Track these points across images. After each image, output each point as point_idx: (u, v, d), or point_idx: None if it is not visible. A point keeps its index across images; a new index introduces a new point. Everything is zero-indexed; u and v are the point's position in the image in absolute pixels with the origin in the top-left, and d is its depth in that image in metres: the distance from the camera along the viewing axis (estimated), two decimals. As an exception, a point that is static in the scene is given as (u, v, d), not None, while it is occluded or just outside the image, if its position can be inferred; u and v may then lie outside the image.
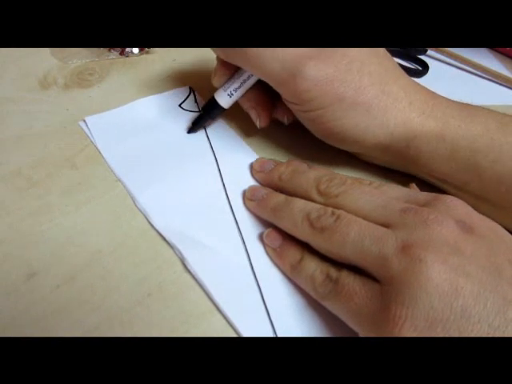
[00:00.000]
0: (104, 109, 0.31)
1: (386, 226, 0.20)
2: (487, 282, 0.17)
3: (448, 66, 0.42)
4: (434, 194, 0.22)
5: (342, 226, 0.20)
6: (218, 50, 0.26)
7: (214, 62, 0.28)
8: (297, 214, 0.23)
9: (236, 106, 0.29)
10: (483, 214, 0.21)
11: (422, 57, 0.41)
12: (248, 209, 0.26)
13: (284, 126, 0.30)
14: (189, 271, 0.23)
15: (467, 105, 0.26)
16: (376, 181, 0.24)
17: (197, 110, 0.32)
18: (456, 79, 0.40)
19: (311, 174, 0.25)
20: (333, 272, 0.21)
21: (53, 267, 0.23)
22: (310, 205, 0.23)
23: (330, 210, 0.22)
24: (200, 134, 0.30)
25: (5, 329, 0.20)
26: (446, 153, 0.25)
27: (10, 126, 0.30)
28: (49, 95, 0.32)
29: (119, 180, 0.27)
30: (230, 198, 0.26)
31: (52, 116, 0.31)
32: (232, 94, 0.28)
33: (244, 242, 0.24)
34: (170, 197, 0.26)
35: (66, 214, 0.25)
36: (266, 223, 0.25)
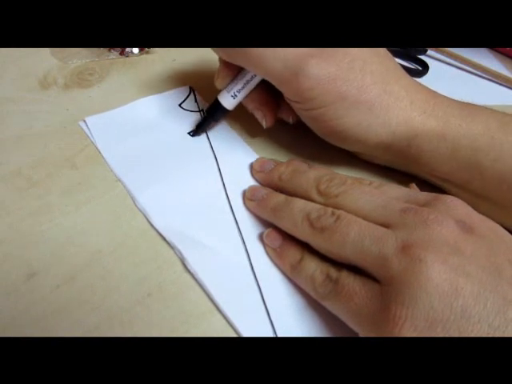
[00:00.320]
0: (104, 109, 0.31)
1: (386, 226, 0.20)
2: (487, 282, 0.17)
3: (448, 66, 0.42)
4: (434, 194, 0.22)
5: (342, 226, 0.20)
6: (220, 50, 0.26)
7: (215, 62, 0.28)
8: (297, 214, 0.23)
9: (237, 106, 0.29)
10: (484, 212, 0.21)
11: (422, 57, 0.41)
12: (248, 209, 0.26)
13: (284, 126, 0.30)
14: (189, 271, 0.23)
15: (468, 104, 0.26)
16: (376, 181, 0.24)
17: (197, 109, 0.32)
18: (456, 79, 0.40)
19: (311, 174, 0.25)
20: (333, 272, 0.21)
21: (53, 267, 0.23)
22: (310, 205, 0.23)
23: (330, 210, 0.22)
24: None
25: (5, 329, 0.20)
26: (447, 152, 0.25)
27: (9, 126, 0.30)
28: (49, 95, 0.32)
29: (119, 180, 0.27)
30: (230, 198, 0.26)
31: (52, 116, 0.31)
32: (236, 96, 0.28)
33: (244, 242, 0.24)
34: (170, 197, 0.26)
35: (65, 214, 0.25)
36: (266, 223, 0.25)
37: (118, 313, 0.21)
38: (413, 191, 0.23)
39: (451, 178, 0.26)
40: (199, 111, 0.32)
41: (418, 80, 0.27)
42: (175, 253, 0.24)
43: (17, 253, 0.23)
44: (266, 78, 0.25)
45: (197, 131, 0.30)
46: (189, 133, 0.30)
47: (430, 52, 0.42)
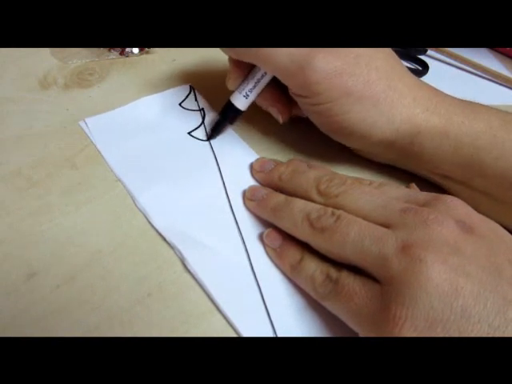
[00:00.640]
0: (104, 109, 0.31)
1: (386, 226, 0.20)
2: (487, 282, 0.17)
3: (448, 66, 0.42)
4: (434, 194, 0.22)
5: (342, 226, 0.20)
6: (229, 49, 0.26)
7: (215, 62, 0.28)
8: (297, 214, 0.23)
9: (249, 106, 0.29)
10: (485, 210, 0.21)
11: (422, 57, 0.41)
12: (248, 209, 0.26)
13: (285, 126, 0.30)
14: (189, 271, 0.23)
15: (470, 102, 0.26)
16: (377, 179, 0.24)
17: (197, 108, 0.32)
18: (456, 79, 0.40)
19: (311, 174, 0.25)
20: (333, 272, 0.21)
21: (53, 267, 0.23)
22: (310, 205, 0.23)
23: (330, 210, 0.22)
24: (200, 134, 0.30)
25: (5, 329, 0.20)
26: (449, 149, 0.25)
27: (9, 126, 0.30)
28: (49, 95, 0.32)
29: (119, 180, 0.27)
30: (230, 198, 0.26)
31: (52, 116, 0.31)
32: (248, 95, 0.28)
33: (244, 242, 0.24)
34: (170, 196, 0.26)
35: (66, 214, 0.25)
36: (266, 223, 0.25)
37: (118, 313, 0.21)
38: (413, 191, 0.23)
39: (453, 176, 0.26)
40: (199, 110, 0.32)
41: (419, 80, 0.27)
42: (175, 253, 0.24)
43: (17, 253, 0.23)
44: (274, 73, 0.25)
45: (212, 134, 0.30)
46: (189, 132, 0.30)
47: (430, 52, 0.42)
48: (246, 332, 0.21)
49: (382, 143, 0.26)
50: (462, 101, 0.26)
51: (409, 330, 0.17)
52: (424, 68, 0.40)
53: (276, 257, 0.24)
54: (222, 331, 0.21)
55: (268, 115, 0.29)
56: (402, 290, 0.17)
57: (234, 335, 0.21)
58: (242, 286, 0.23)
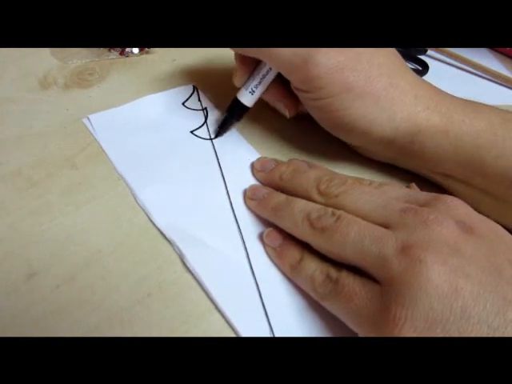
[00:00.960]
0: (104, 109, 0.31)
1: (385, 226, 0.20)
2: (487, 282, 0.17)
3: (448, 66, 0.42)
4: (434, 194, 0.22)
5: (343, 226, 0.20)
6: None
7: (215, 62, 0.28)
8: (297, 214, 0.23)
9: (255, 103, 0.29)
10: (486, 208, 0.21)
11: (422, 57, 0.41)
12: (248, 208, 0.26)
13: (285, 125, 0.30)
14: (189, 271, 0.23)
15: (471, 101, 0.26)
16: (378, 179, 0.24)
17: (200, 108, 0.32)
18: (456, 79, 0.40)
19: (311, 174, 0.25)
20: (333, 272, 0.21)
21: (53, 267, 0.23)
22: (311, 205, 0.23)
23: (330, 210, 0.22)
24: (202, 133, 0.30)
25: (5, 329, 0.20)
26: (450, 148, 0.25)
27: (9, 126, 0.30)
28: (49, 95, 0.32)
29: (121, 177, 0.27)
30: (231, 197, 0.26)
31: (52, 116, 0.31)
32: (253, 91, 0.28)
33: (244, 241, 0.24)
34: (172, 194, 0.26)
35: (66, 214, 0.25)
36: (266, 223, 0.25)
37: (118, 313, 0.21)
38: (413, 191, 0.23)
39: (453, 174, 0.26)
40: (202, 110, 0.32)
41: (419, 79, 0.27)
42: (175, 251, 0.24)
43: (17, 253, 0.23)
44: (277, 67, 0.26)
45: (219, 132, 0.30)
46: (192, 131, 0.30)
47: (430, 52, 0.42)
48: (245, 332, 0.21)
49: (383, 141, 0.26)
50: (462, 100, 0.26)
51: (408, 331, 0.17)
52: (424, 68, 0.40)
53: (276, 256, 0.24)
54: (222, 331, 0.21)
55: (270, 114, 0.29)
56: (401, 290, 0.17)
57: (233, 335, 0.21)
58: (241, 285, 0.23)
